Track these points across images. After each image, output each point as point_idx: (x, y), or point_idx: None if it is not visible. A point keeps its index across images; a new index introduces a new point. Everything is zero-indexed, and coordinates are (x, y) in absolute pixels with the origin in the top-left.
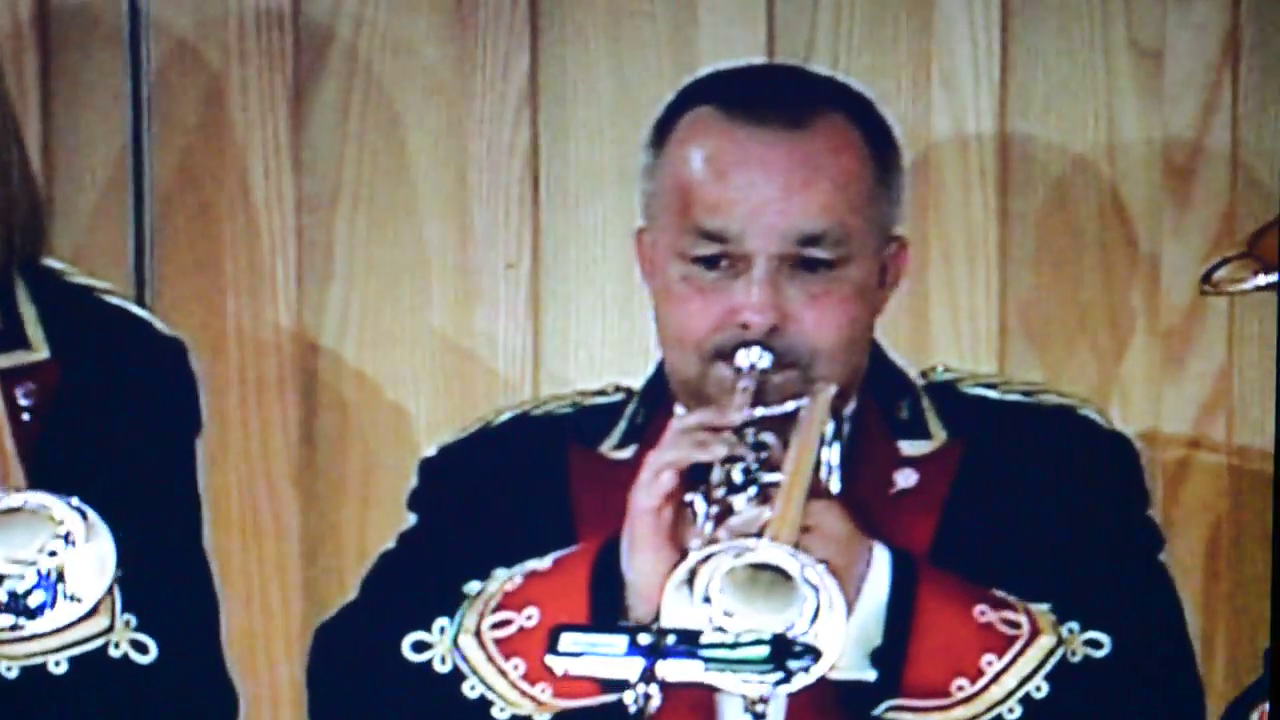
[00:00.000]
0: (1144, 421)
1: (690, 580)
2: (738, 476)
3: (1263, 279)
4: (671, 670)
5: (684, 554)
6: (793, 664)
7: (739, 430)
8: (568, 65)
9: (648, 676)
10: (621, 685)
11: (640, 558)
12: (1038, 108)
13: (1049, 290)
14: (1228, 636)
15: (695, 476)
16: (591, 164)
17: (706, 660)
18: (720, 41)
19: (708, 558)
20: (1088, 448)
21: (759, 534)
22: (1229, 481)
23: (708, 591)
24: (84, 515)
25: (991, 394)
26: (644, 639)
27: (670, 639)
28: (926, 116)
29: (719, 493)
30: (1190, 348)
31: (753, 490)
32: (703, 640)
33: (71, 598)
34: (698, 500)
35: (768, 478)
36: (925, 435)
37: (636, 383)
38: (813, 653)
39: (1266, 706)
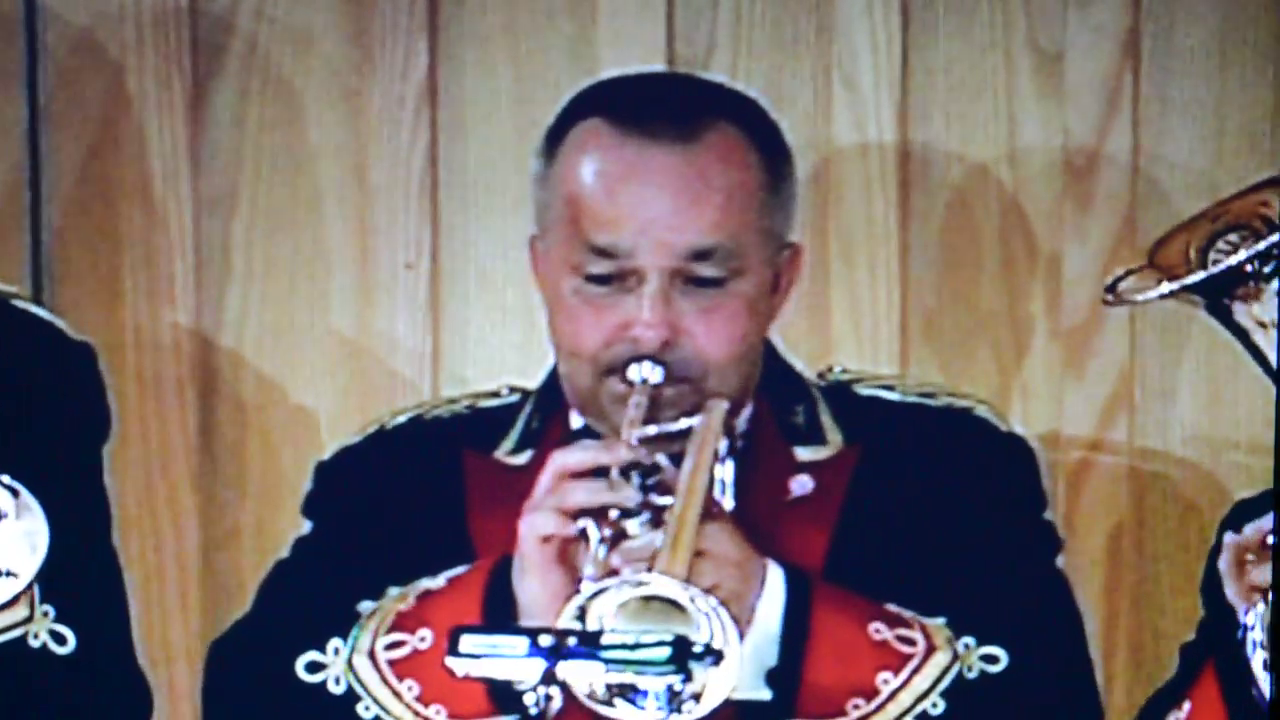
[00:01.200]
0: (1045, 423)
1: (583, 613)
2: (630, 503)
3: (1165, 288)
4: (572, 672)
5: (576, 578)
6: (694, 665)
7: (633, 451)
8: (467, 65)
9: (548, 678)
10: (516, 704)
11: (531, 583)
12: (939, 110)
13: (950, 293)
14: (1129, 637)
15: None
16: (490, 164)
17: (607, 661)
18: (620, 43)
19: (599, 593)
20: (984, 449)
21: (651, 560)
22: (1130, 483)
23: (601, 624)
24: (15, 493)
25: (888, 395)
26: (545, 640)
27: (571, 640)
28: (828, 118)
29: (612, 515)
30: (1091, 349)
31: (645, 515)
32: (604, 641)
33: (6, 573)
34: (590, 526)
35: (660, 501)
36: (821, 440)
37: (532, 383)
38: (714, 654)
39: (1187, 707)
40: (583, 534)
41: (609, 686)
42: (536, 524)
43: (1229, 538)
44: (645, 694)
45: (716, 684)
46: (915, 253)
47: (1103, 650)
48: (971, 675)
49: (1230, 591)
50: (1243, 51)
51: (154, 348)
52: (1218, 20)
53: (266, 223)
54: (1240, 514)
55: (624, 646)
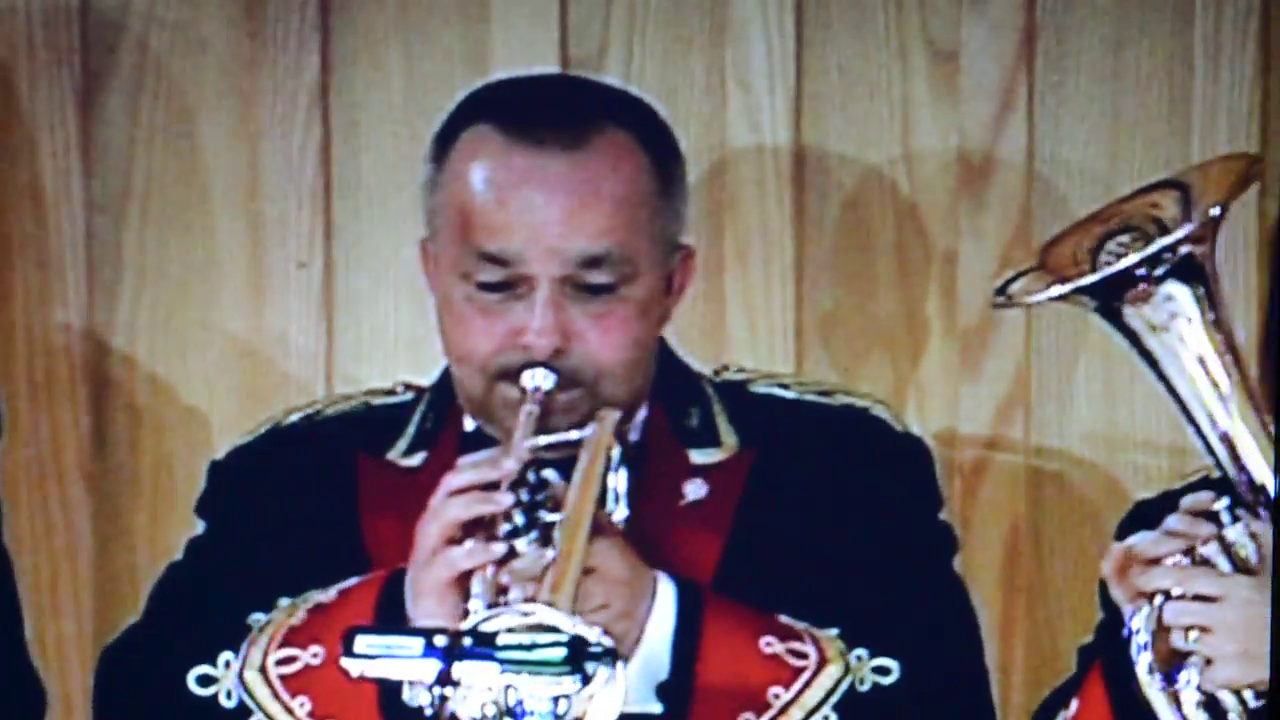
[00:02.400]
0: (941, 423)
1: None
2: (519, 519)
3: (1055, 290)
4: (468, 672)
5: (468, 596)
6: (590, 666)
7: (521, 470)
8: (359, 65)
9: (444, 679)
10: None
11: (423, 602)
12: (833, 108)
13: (845, 293)
14: (1026, 637)
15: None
16: (383, 164)
17: (503, 662)
18: (513, 44)
19: (485, 621)
20: (880, 449)
21: (540, 580)
22: (1027, 482)
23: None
24: None
25: (784, 394)
26: (440, 641)
27: (467, 641)
28: (722, 119)
29: (501, 532)
30: (987, 348)
31: (534, 533)
32: (499, 642)
33: None
34: (480, 547)
35: (549, 518)
36: (715, 443)
37: (426, 381)
38: (611, 654)
39: (1074, 706)
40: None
41: (495, 704)
42: (434, 543)
43: (1115, 545)
44: (531, 714)
45: (601, 705)
46: (810, 253)
47: (999, 650)
48: (864, 688)
49: (1115, 594)
50: (1138, 51)
51: (45, 349)
52: (1113, 20)
53: (158, 223)
54: (1139, 515)
55: (520, 647)
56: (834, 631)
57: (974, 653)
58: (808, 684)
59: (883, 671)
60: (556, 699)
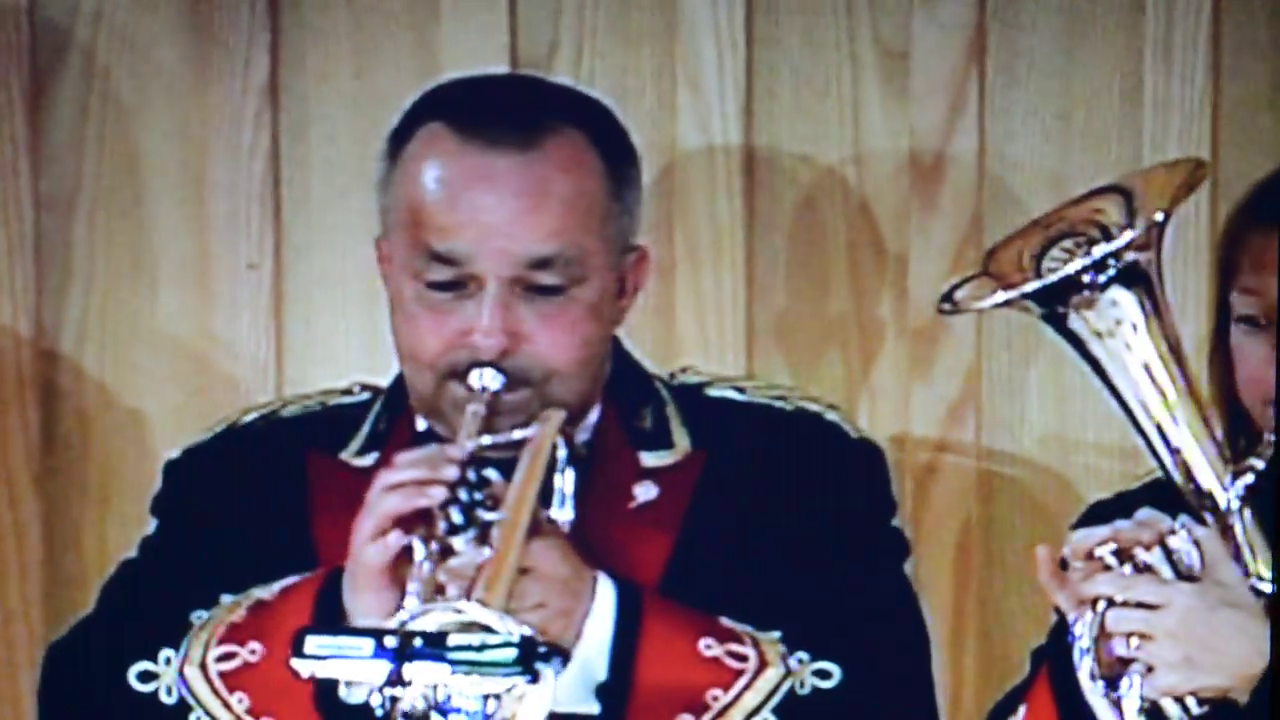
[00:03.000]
0: (893, 425)
1: None
2: (457, 517)
3: (1000, 296)
4: (418, 672)
5: (404, 593)
6: (540, 665)
7: (462, 466)
8: (308, 65)
9: (394, 679)
10: (344, 716)
11: (361, 599)
12: (784, 109)
13: (797, 295)
14: (978, 639)
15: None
16: (333, 164)
17: (453, 663)
18: (463, 44)
19: (417, 617)
20: (834, 455)
21: (474, 578)
22: (978, 483)
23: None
24: None
25: (738, 397)
26: (390, 641)
27: (417, 641)
28: (672, 119)
29: (440, 529)
30: (938, 350)
31: (472, 531)
32: (450, 642)
33: None
34: (416, 542)
35: (488, 517)
36: (668, 445)
37: (383, 381)
38: (561, 654)
39: (1022, 711)
40: (410, 549)
41: (425, 698)
42: (373, 535)
43: (1040, 551)
44: (459, 710)
45: (530, 704)
46: (761, 254)
47: (950, 653)
48: (804, 691)
49: (1058, 600)
50: (1089, 51)
51: None
52: (1064, 20)
53: (107, 224)
54: (1092, 517)
55: (470, 648)
56: (776, 634)
57: (919, 659)
58: (747, 686)
59: (823, 675)
60: (486, 697)
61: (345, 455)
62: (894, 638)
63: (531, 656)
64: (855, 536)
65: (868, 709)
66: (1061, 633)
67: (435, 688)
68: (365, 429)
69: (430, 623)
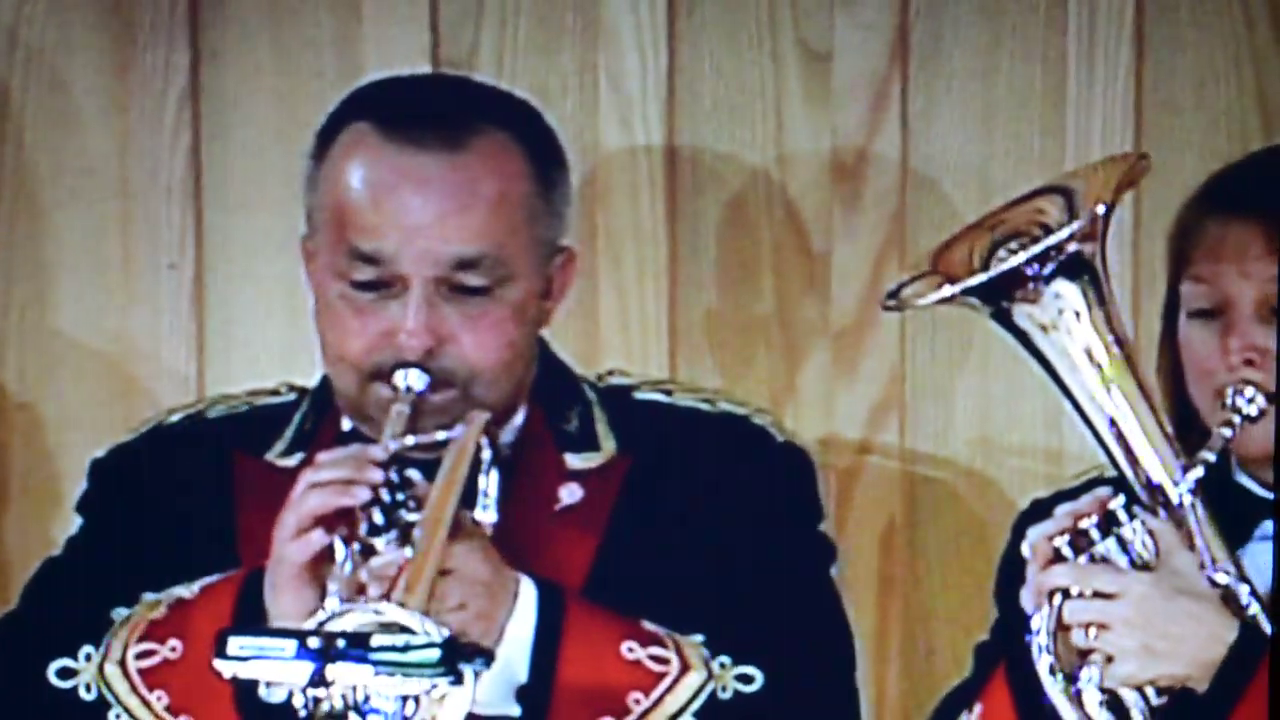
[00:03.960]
0: (818, 426)
1: None
2: (378, 517)
3: (946, 291)
4: (342, 673)
5: (324, 593)
6: (464, 666)
7: (385, 467)
8: (229, 64)
9: (317, 680)
10: (263, 715)
11: (282, 597)
12: (707, 109)
13: (721, 296)
14: (902, 640)
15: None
16: (254, 163)
17: (377, 664)
18: (384, 44)
19: (336, 617)
20: (760, 459)
21: (394, 579)
22: (902, 484)
23: None
24: None
25: (665, 399)
26: (313, 642)
27: (340, 642)
28: (594, 119)
29: (361, 529)
30: (862, 350)
31: (394, 532)
32: (373, 643)
33: None
34: (338, 542)
35: (410, 517)
36: (594, 447)
37: (309, 381)
38: (484, 654)
39: (978, 709)
40: (331, 550)
41: (344, 698)
42: (294, 534)
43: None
44: (378, 711)
45: (449, 706)
46: (684, 255)
47: (875, 654)
48: (725, 695)
49: (1024, 595)
50: (1012, 49)
51: None
52: (987, 18)
53: (27, 223)
54: (1033, 515)
55: (393, 649)
56: (698, 638)
57: (843, 663)
58: (668, 690)
59: (745, 680)
60: (404, 698)
61: (271, 456)
62: (817, 642)
63: (455, 657)
64: (780, 541)
65: (790, 714)
66: (1006, 628)
67: (354, 688)
68: (291, 429)
69: (349, 623)
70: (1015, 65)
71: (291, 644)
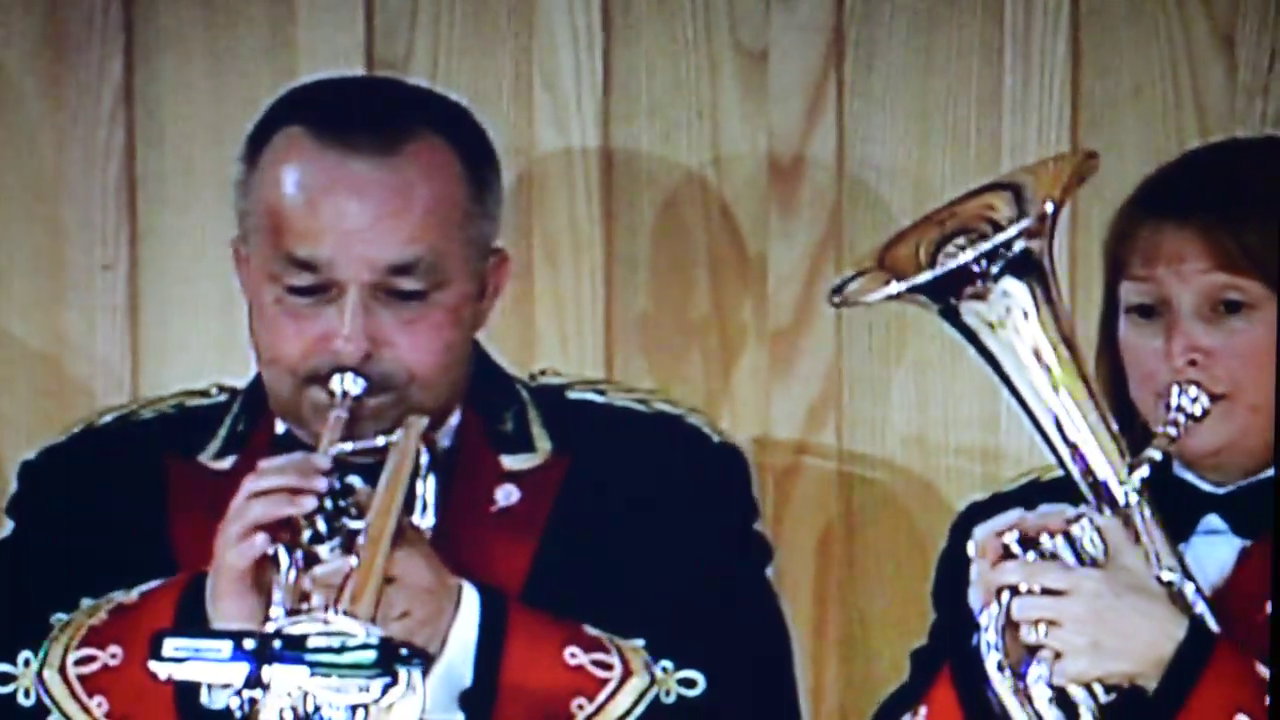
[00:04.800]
0: (754, 426)
1: None
2: (321, 525)
3: (894, 288)
4: (278, 675)
5: (269, 601)
6: (400, 668)
7: (327, 475)
8: (163, 66)
9: (253, 681)
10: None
11: (224, 604)
12: (642, 110)
13: (657, 296)
14: (839, 641)
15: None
16: (189, 165)
17: (313, 665)
18: (319, 45)
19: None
20: (695, 459)
21: (341, 587)
22: (839, 484)
23: None
24: None
25: (599, 399)
26: (249, 644)
27: (276, 643)
28: (529, 121)
29: (304, 537)
30: (799, 351)
31: (337, 540)
32: (309, 645)
33: None
34: (281, 549)
35: (352, 525)
36: (529, 448)
37: (241, 383)
38: (421, 655)
39: (923, 711)
40: (275, 557)
41: (293, 709)
42: (237, 544)
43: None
44: None
45: (400, 714)
46: (620, 256)
47: (813, 656)
48: (669, 700)
49: (972, 592)
50: (948, 50)
51: None
52: (922, 19)
53: None
54: (971, 518)
55: (329, 650)
56: (640, 642)
57: (783, 665)
58: (612, 695)
59: (688, 684)
60: (354, 707)
61: (203, 458)
62: (757, 644)
63: (390, 659)
64: (716, 541)
65: (734, 716)
66: (945, 631)
67: (304, 698)
68: (223, 431)
69: (299, 633)
70: (951, 66)
71: (227, 645)
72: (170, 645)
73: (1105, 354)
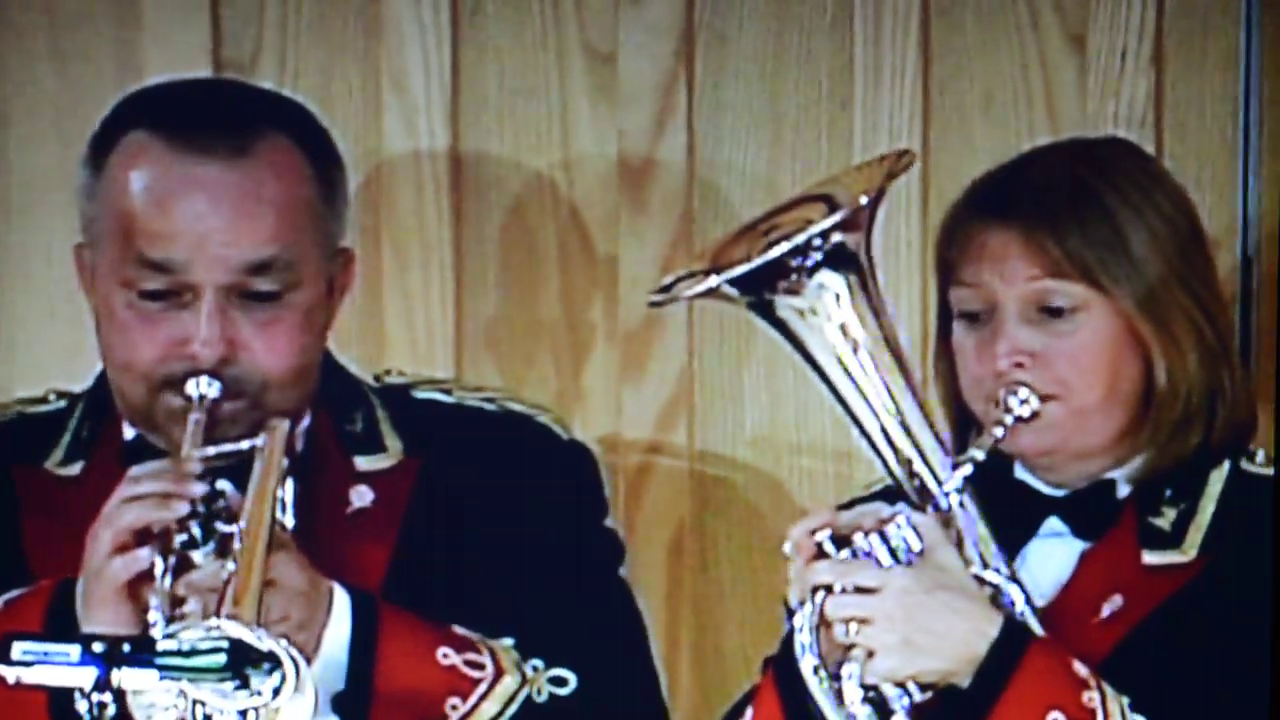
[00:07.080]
0: (605, 427)
1: None
2: (194, 530)
3: (712, 281)
4: (127, 678)
5: (145, 609)
6: (251, 672)
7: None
8: (7, 67)
9: (102, 685)
10: None
11: (98, 613)
12: (491, 111)
13: (507, 298)
14: (692, 644)
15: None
16: (34, 168)
17: (162, 669)
18: (165, 47)
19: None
20: (545, 457)
21: (222, 592)
22: (691, 486)
23: None
24: None
25: (446, 399)
26: (98, 647)
27: (125, 647)
28: (378, 122)
29: (177, 544)
30: (650, 352)
31: (211, 544)
32: (159, 648)
33: None
34: (155, 557)
35: (225, 529)
36: (380, 448)
37: (78, 387)
38: (271, 659)
39: (749, 714)
40: (149, 564)
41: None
42: (108, 551)
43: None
44: None
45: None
46: (470, 258)
47: (665, 657)
48: (541, 699)
49: (789, 592)
50: (799, 52)
51: None
52: (773, 20)
53: None
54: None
55: (179, 653)
56: (509, 642)
57: (645, 660)
58: (485, 695)
59: (559, 682)
60: (244, 712)
61: (49, 465)
62: (621, 641)
63: (241, 661)
64: (570, 539)
65: (604, 713)
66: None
67: (194, 705)
68: (67, 437)
69: (187, 637)
70: (802, 68)
71: (75, 649)
72: (18, 649)
73: (942, 357)
